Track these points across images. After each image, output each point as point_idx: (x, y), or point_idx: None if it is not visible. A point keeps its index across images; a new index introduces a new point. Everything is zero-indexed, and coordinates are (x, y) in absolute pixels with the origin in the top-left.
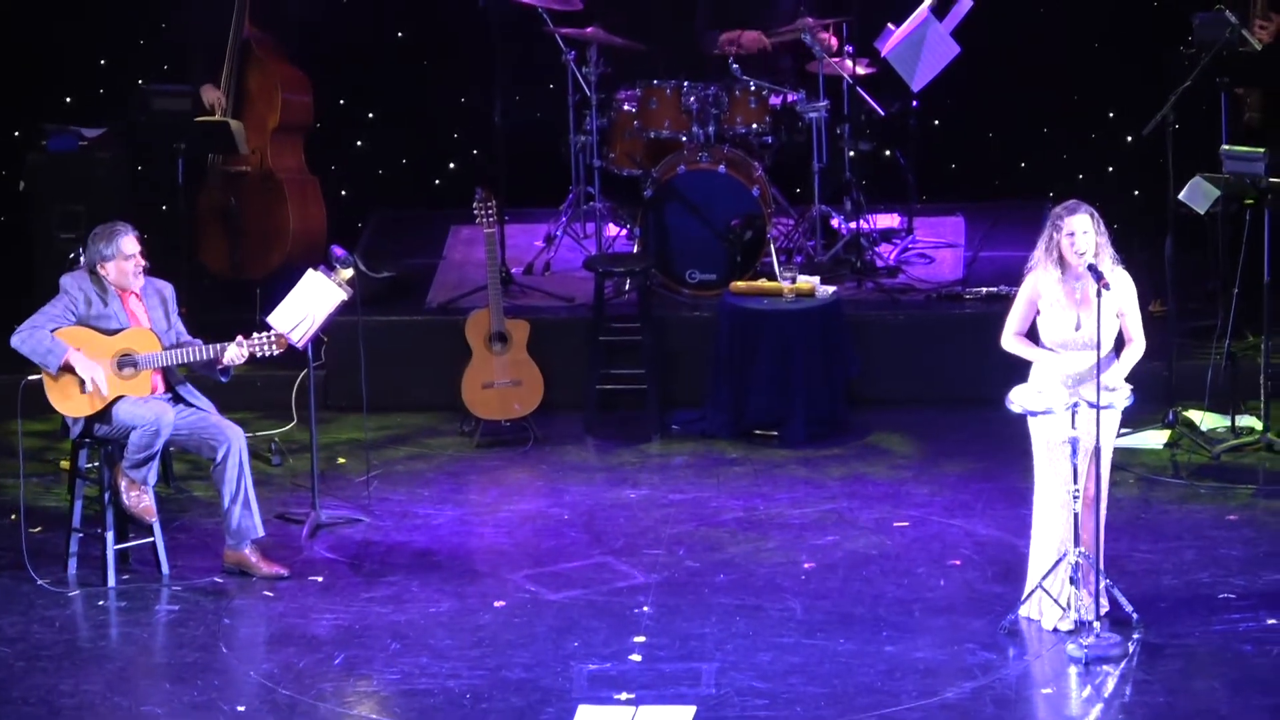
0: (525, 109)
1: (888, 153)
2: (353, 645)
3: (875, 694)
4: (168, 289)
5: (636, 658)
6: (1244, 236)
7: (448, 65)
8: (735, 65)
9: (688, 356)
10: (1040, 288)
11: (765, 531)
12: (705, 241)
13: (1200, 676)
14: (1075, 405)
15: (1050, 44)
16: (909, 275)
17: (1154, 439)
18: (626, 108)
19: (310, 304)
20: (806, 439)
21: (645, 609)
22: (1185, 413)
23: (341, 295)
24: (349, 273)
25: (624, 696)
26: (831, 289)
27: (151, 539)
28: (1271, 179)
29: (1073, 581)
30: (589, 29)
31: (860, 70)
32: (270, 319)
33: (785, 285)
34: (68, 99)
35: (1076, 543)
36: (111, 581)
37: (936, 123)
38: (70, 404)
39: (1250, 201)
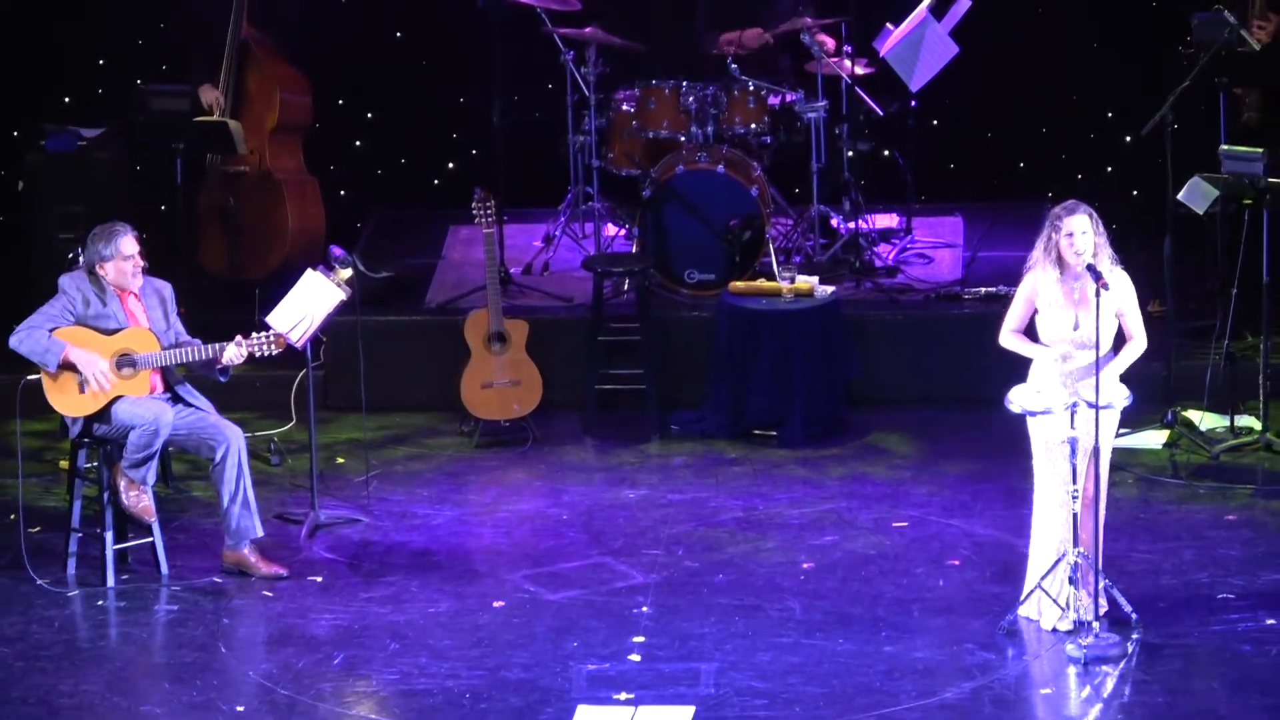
0: (524, 109)
1: (886, 153)
2: (352, 645)
3: (874, 694)
4: (166, 289)
5: (636, 658)
6: (1243, 236)
7: (446, 65)
8: (734, 65)
9: (686, 357)
10: (1039, 287)
11: (764, 532)
12: (704, 241)
13: (1199, 676)
14: (1074, 405)
15: (1049, 44)
16: (908, 275)
17: (1153, 439)
18: (625, 108)
19: (309, 304)
20: (805, 439)
21: (644, 609)
22: (1184, 413)
23: (340, 295)
24: (348, 273)
25: (623, 696)
26: (830, 289)
27: (150, 539)
28: (1270, 179)
29: (1072, 582)
30: (587, 29)
31: (859, 70)
32: (269, 319)
33: (784, 285)
34: (66, 99)
35: (1075, 543)
36: (111, 581)
37: (935, 123)
38: (69, 403)
39: (1249, 201)
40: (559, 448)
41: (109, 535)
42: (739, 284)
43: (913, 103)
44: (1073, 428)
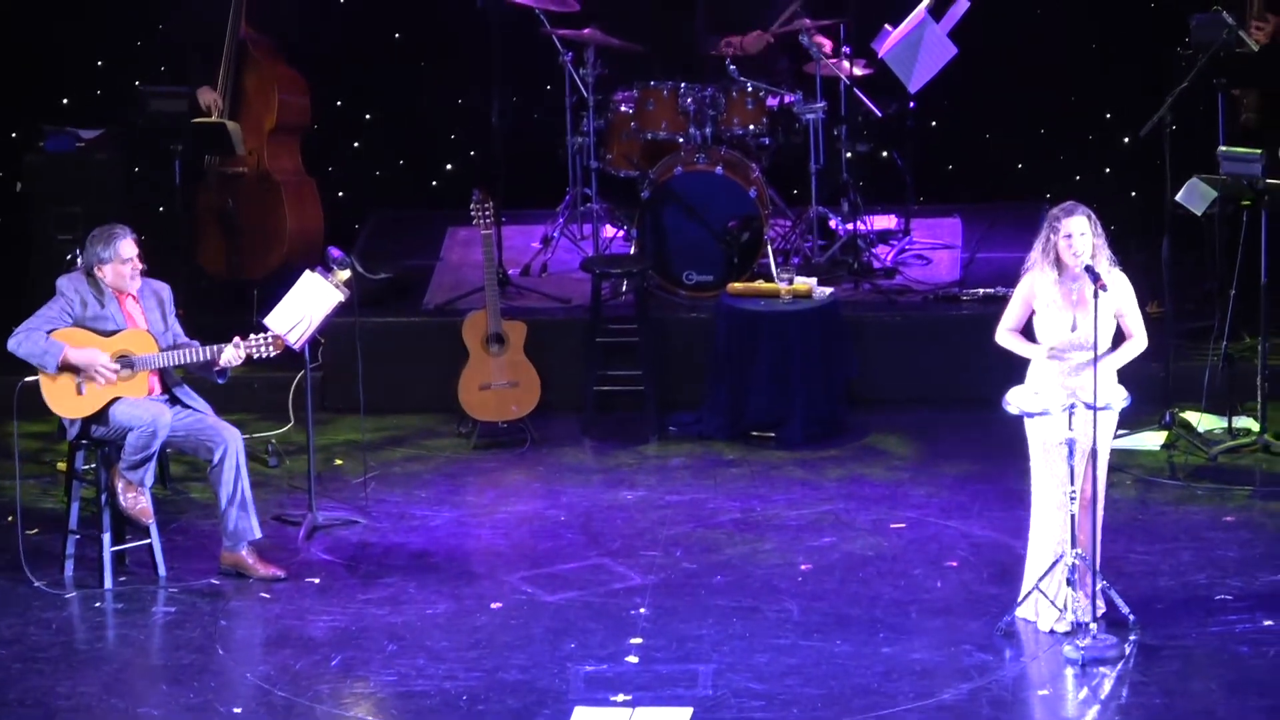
0: (523, 110)
1: (885, 154)
2: (349, 647)
3: (872, 695)
4: (165, 290)
5: (633, 659)
6: (1241, 238)
7: (445, 66)
8: (732, 67)
9: (685, 358)
10: (1037, 288)
11: (762, 533)
12: (702, 243)
13: (1197, 678)
14: (1072, 407)
15: (1048, 45)
16: (906, 276)
17: (1151, 440)
18: (624, 109)
19: (307, 305)
20: (804, 440)
21: (642, 610)
22: (1182, 414)
23: (339, 296)
24: (346, 274)
25: (621, 698)
26: (829, 290)
27: (148, 540)
28: (1268, 180)
29: (1070, 583)
30: (586, 30)
31: (857, 71)
32: (267, 320)
33: (782, 286)
34: (65, 100)
35: (1073, 544)
36: (108, 583)
37: (934, 124)
38: (67, 405)
39: (1247, 203)
40: (557, 449)
41: (107, 537)
42: (737, 285)
43: (911, 104)
44: (1070, 429)
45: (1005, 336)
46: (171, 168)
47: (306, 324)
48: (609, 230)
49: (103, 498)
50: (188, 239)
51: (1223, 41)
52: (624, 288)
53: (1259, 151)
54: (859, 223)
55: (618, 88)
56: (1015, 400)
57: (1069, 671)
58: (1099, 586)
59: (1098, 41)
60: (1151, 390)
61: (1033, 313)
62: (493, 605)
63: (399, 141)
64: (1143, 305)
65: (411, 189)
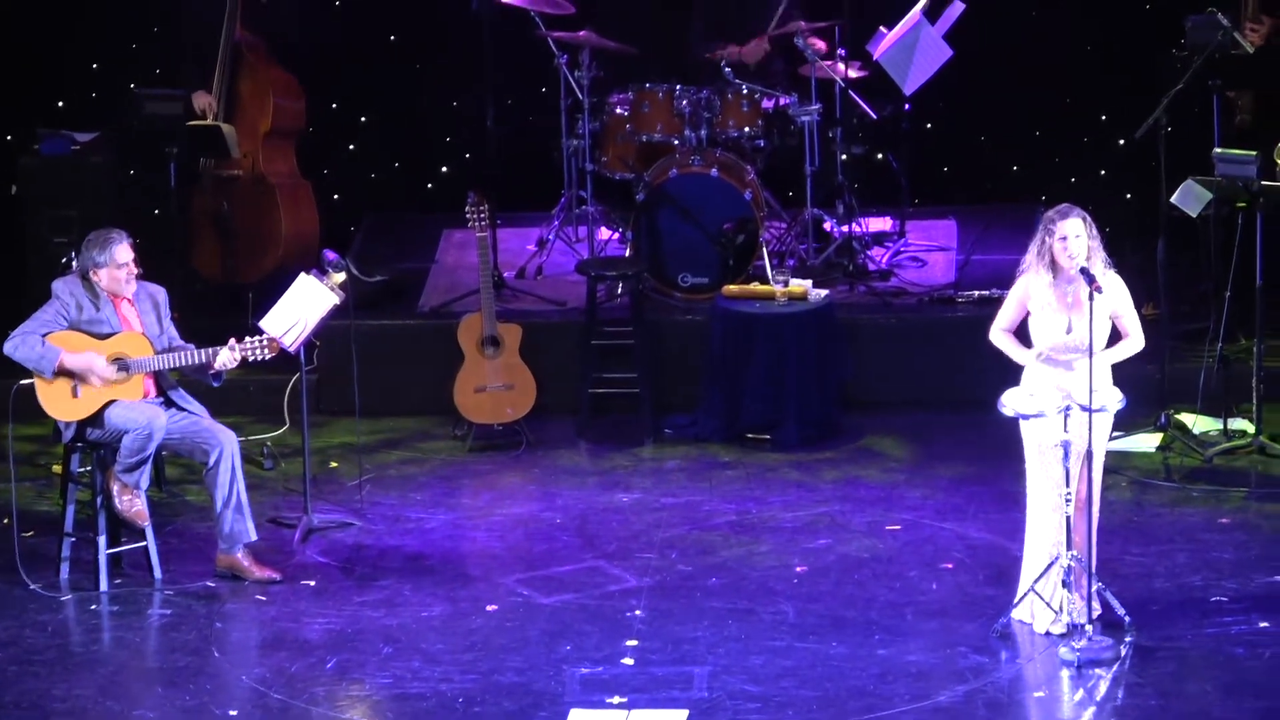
0: (518, 113)
1: (880, 156)
2: (345, 649)
3: (867, 697)
4: (160, 293)
5: (629, 661)
6: (1236, 239)
7: (440, 69)
8: (728, 69)
9: (680, 360)
10: (1031, 290)
11: (758, 535)
12: (698, 245)
13: (1192, 679)
14: (1067, 409)
15: (1043, 47)
16: (901, 278)
17: (1146, 442)
18: (619, 111)
19: (302, 308)
20: (799, 442)
21: (637, 613)
22: (1177, 416)
23: (334, 299)
24: (341, 276)
25: (616, 700)
26: (824, 292)
27: (144, 543)
28: (1264, 182)
29: (1065, 585)
30: (581, 32)
31: (852, 73)
32: (262, 323)
33: (778, 289)
34: (60, 103)
35: (1069, 546)
36: (104, 586)
37: (929, 126)
38: (62, 408)
39: (1242, 204)
40: (552, 451)
41: (102, 540)
42: (733, 287)
43: (906, 106)
44: (1065, 431)
45: (999, 336)
46: (166, 171)
47: (302, 327)
48: (604, 233)
49: (98, 500)
50: (183, 242)
51: (1218, 43)
52: (619, 290)
53: (1254, 153)
54: (854, 225)
55: (613, 90)
56: (1010, 402)
57: (1064, 673)
58: (1094, 588)
59: (1093, 43)
60: (1147, 392)
61: (1027, 314)
62: (488, 608)
63: (394, 144)
64: (1138, 307)
65: (407, 192)
